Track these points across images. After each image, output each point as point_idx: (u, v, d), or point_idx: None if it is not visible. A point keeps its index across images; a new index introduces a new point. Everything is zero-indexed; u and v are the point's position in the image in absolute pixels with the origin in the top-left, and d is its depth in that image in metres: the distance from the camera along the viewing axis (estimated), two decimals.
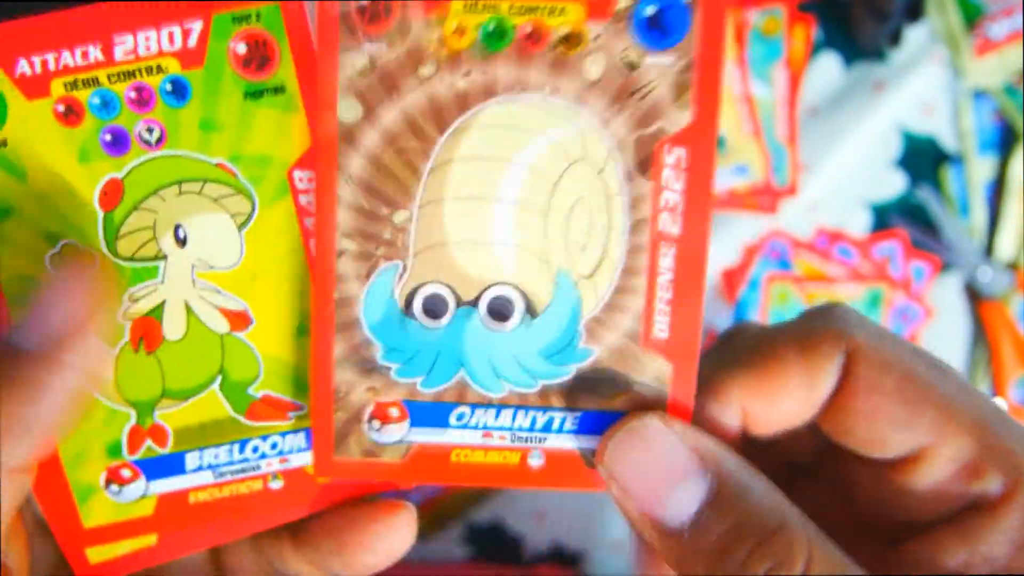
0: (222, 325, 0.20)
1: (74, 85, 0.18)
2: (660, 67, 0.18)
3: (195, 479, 0.21)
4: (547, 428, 0.19)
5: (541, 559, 0.52)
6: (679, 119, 0.18)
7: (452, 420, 0.20)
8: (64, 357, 0.17)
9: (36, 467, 0.19)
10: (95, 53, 0.18)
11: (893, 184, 0.57)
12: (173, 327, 0.20)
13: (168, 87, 0.18)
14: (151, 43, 0.18)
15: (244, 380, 0.20)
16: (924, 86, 0.56)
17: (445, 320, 0.19)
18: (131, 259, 0.19)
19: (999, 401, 0.56)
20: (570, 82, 0.18)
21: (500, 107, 0.18)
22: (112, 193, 0.19)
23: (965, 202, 0.56)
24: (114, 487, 0.20)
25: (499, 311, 0.19)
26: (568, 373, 0.20)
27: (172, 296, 0.20)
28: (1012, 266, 0.56)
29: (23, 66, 0.18)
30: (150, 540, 0.21)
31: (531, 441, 0.20)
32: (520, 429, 0.20)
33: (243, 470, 0.20)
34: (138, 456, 0.20)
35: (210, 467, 0.21)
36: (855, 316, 0.20)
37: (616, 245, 0.19)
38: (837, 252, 0.57)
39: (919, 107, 0.56)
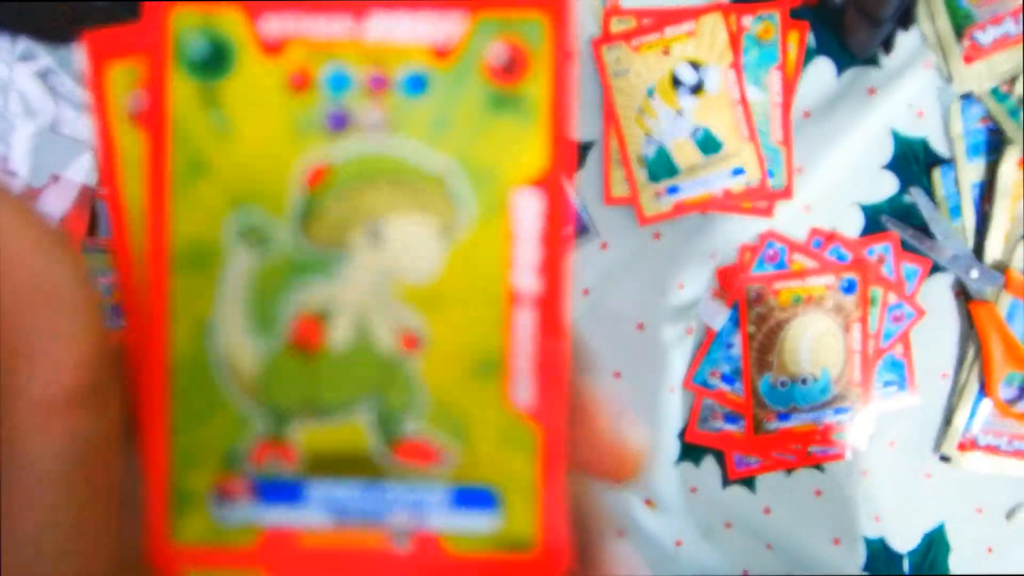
0: (394, 344, 0.18)
1: (313, 54, 0.17)
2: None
3: (313, 516, 0.18)
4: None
5: None
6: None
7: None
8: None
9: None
10: (345, 27, 0.17)
11: (885, 186, 0.58)
12: (339, 333, 0.17)
13: (409, 77, 0.17)
14: (405, 28, 0.17)
15: (400, 411, 0.18)
16: (915, 91, 0.57)
17: None
18: (316, 245, 0.17)
19: (988, 401, 0.57)
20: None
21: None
22: (319, 171, 0.17)
23: (956, 204, 0.57)
24: (221, 502, 0.17)
25: None
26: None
27: (348, 299, 0.17)
28: (1001, 267, 0.57)
29: (268, 22, 0.17)
30: None
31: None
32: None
33: (368, 515, 0.18)
34: (258, 472, 0.18)
35: (334, 505, 0.18)
36: None
37: None
38: (830, 253, 0.58)
39: (910, 111, 0.57)
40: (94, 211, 0.54)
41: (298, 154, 0.17)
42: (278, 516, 0.18)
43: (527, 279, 0.18)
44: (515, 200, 0.18)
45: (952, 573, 0.59)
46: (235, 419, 0.18)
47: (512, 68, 0.17)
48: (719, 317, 0.57)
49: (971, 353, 0.58)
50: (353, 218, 0.18)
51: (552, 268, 0.18)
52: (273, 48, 0.17)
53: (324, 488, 0.18)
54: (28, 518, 0.15)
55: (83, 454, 0.16)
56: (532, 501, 0.18)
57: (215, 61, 0.17)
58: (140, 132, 0.18)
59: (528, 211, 0.18)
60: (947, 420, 0.59)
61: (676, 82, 0.56)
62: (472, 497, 0.18)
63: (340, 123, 0.17)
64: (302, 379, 0.18)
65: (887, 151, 0.57)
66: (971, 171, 0.57)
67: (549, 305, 0.18)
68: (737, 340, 0.58)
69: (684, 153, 0.57)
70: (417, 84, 0.17)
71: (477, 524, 0.18)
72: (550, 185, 0.17)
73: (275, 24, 0.17)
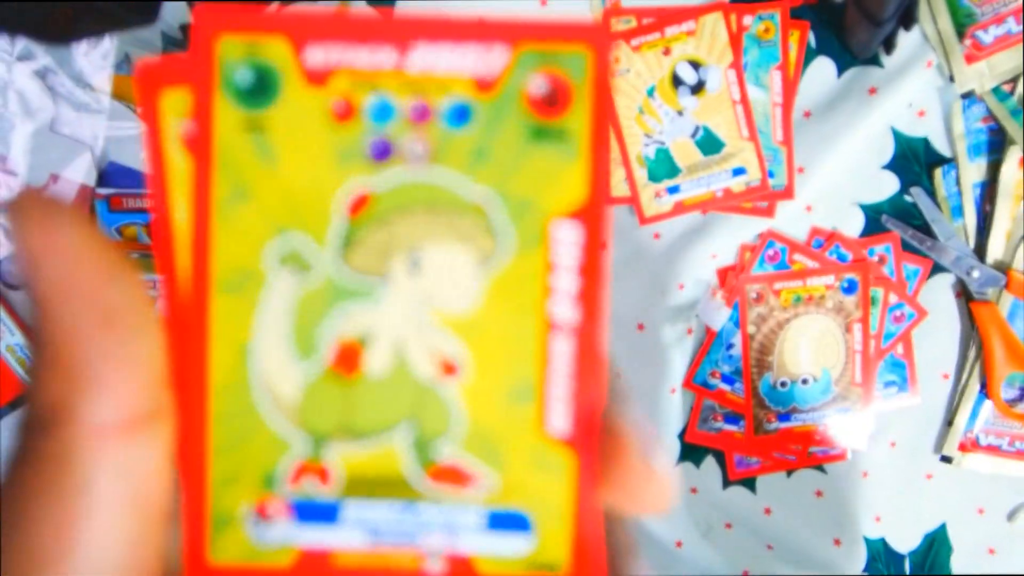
0: (430, 370, 0.18)
1: (357, 84, 0.17)
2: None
3: (347, 536, 0.18)
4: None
5: None
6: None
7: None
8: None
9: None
10: (389, 58, 0.17)
11: (886, 186, 0.58)
12: (377, 359, 0.18)
13: (451, 108, 0.17)
14: (448, 60, 0.17)
15: (435, 436, 0.18)
16: (916, 91, 0.57)
17: None
18: (356, 272, 0.18)
19: (989, 402, 0.57)
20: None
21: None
22: (360, 199, 0.18)
23: (957, 204, 0.57)
24: (258, 522, 0.18)
25: None
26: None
27: (386, 325, 0.18)
28: (1002, 267, 0.57)
29: (313, 52, 0.17)
30: None
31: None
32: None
33: (402, 537, 0.18)
34: (296, 493, 0.18)
35: (368, 526, 0.18)
36: None
37: None
38: (831, 253, 0.57)
39: (911, 111, 0.57)
40: (93, 211, 0.54)
41: (340, 182, 0.18)
42: (314, 536, 0.18)
43: (564, 309, 0.18)
44: (554, 231, 0.18)
45: (953, 574, 0.59)
46: (274, 442, 0.18)
47: (554, 100, 0.18)
48: (719, 317, 0.57)
49: (972, 353, 0.58)
50: (393, 246, 0.18)
51: (589, 299, 0.18)
52: (317, 78, 0.18)
53: (360, 510, 0.18)
54: (86, 538, 0.16)
55: (140, 475, 0.16)
56: (565, 526, 0.18)
57: (260, 90, 0.18)
58: (188, 158, 0.18)
59: (567, 242, 0.18)
60: (948, 421, 0.59)
61: (677, 82, 0.56)
62: (506, 520, 0.18)
63: (383, 153, 0.18)
64: (340, 403, 0.18)
65: (888, 151, 0.57)
66: (972, 171, 0.57)
67: (586, 335, 0.18)
68: (737, 340, 0.58)
69: (684, 153, 0.57)
70: (459, 115, 0.18)
71: (510, 547, 0.18)
72: (589, 217, 0.18)
73: (320, 54, 0.18)
